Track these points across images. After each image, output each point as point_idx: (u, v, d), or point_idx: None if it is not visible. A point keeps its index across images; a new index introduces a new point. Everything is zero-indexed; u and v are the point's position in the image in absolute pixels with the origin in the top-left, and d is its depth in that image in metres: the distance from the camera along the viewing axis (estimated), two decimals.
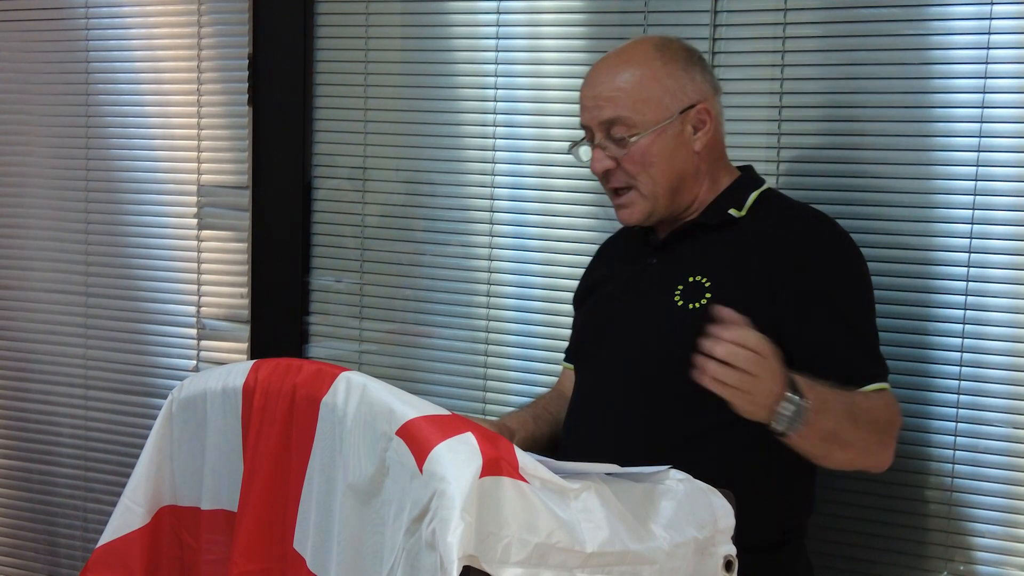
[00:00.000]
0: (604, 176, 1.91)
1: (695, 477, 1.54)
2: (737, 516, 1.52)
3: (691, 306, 1.84)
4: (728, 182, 1.95)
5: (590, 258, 2.18)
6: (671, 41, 1.93)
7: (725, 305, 1.79)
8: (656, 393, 1.85)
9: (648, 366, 1.86)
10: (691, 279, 1.86)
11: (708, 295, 1.83)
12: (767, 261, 1.83)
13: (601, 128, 1.88)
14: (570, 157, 2.41)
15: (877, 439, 1.77)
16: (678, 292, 1.86)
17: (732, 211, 1.90)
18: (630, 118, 1.85)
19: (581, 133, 2.42)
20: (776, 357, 1.58)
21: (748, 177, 1.98)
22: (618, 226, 2.09)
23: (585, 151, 1.95)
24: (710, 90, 1.91)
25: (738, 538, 1.51)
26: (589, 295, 2.07)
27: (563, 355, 2.18)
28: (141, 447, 1.76)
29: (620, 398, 1.88)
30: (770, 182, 2.20)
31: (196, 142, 2.83)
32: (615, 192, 1.92)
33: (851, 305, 1.83)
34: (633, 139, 1.85)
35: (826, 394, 1.66)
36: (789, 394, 1.59)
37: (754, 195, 1.92)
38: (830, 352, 1.79)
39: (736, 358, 1.54)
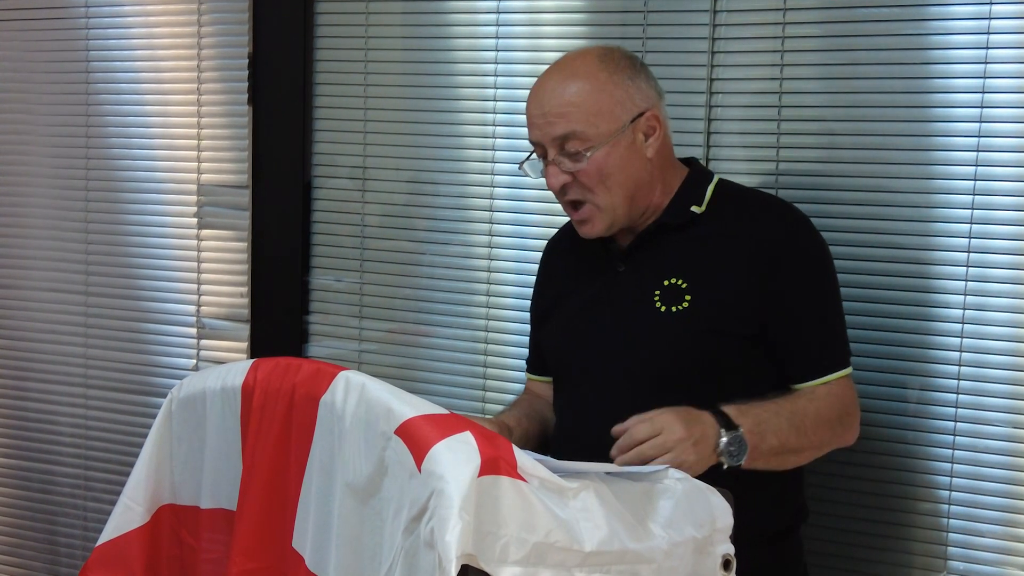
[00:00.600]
0: (560, 190, 1.91)
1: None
2: (760, 503, 1.52)
3: (673, 309, 1.85)
4: (679, 180, 1.95)
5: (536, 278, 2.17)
6: (613, 50, 1.93)
7: (705, 305, 1.84)
8: (653, 399, 1.83)
9: (642, 374, 1.86)
10: (666, 282, 1.87)
11: (688, 296, 1.85)
12: (739, 257, 1.85)
13: (554, 144, 1.87)
14: None
15: (831, 433, 1.86)
16: (657, 296, 1.87)
17: (694, 208, 1.91)
18: (584, 132, 1.84)
19: None
20: (679, 420, 1.66)
21: (697, 171, 1.98)
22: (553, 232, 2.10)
23: (534, 166, 1.94)
24: (656, 96, 1.91)
25: (763, 526, 1.51)
26: (552, 310, 2.05)
27: (526, 367, 2.17)
28: (141, 446, 1.76)
29: (620, 407, 1.86)
30: (769, 182, 2.21)
31: (196, 141, 2.84)
32: (572, 206, 1.92)
33: (820, 295, 1.88)
34: (588, 153, 1.85)
35: (761, 415, 1.75)
36: (722, 431, 1.69)
37: (710, 188, 1.94)
38: (804, 349, 1.86)
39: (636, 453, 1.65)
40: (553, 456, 1.97)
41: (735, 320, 1.83)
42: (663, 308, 1.86)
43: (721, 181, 1.97)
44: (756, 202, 1.95)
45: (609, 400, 1.89)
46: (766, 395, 1.82)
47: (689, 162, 2.01)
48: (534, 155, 1.93)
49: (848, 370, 1.88)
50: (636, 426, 1.67)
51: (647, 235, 1.92)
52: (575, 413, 1.96)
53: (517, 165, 2.01)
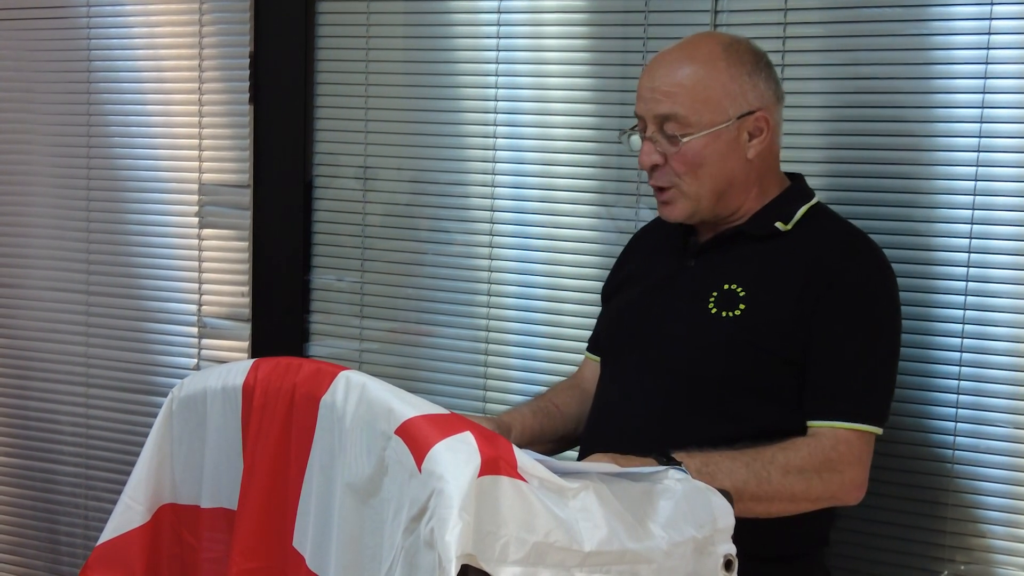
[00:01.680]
0: (650, 171, 1.88)
1: None
2: (756, 527, 1.51)
3: (724, 314, 1.82)
4: (777, 191, 1.92)
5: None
6: (740, 42, 1.89)
7: (756, 318, 1.79)
8: (683, 399, 1.83)
9: (678, 372, 1.84)
10: (726, 287, 1.84)
11: (742, 305, 1.81)
12: (803, 281, 1.80)
13: (655, 122, 1.84)
14: (571, 157, 2.43)
15: (805, 484, 1.72)
16: (712, 299, 1.84)
17: (779, 224, 1.87)
18: (686, 117, 1.81)
19: (583, 133, 2.43)
20: (608, 458, 1.59)
21: (798, 188, 1.94)
22: (650, 217, 2.07)
23: (635, 140, 1.91)
24: (773, 98, 1.88)
25: (757, 549, 1.50)
26: (619, 289, 2.05)
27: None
28: (142, 445, 1.77)
29: (648, 400, 1.86)
30: None
31: (197, 140, 2.84)
32: (659, 189, 1.89)
33: (855, 338, 1.79)
34: (685, 139, 1.82)
35: (713, 457, 1.65)
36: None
37: (803, 209, 1.89)
38: (816, 385, 1.78)
39: None
40: (573, 433, 1.99)
41: (780, 339, 1.78)
42: (715, 311, 1.83)
43: (819, 205, 1.93)
44: (837, 233, 1.89)
45: (640, 390, 1.88)
46: (784, 432, 1.76)
47: (793, 177, 1.97)
48: (636, 129, 1.90)
49: (863, 427, 1.76)
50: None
51: (725, 237, 1.90)
52: (607, 395, 1.95)
53: (618, 133, 1.97)
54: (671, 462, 1.61)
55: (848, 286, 1.80)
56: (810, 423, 1.78)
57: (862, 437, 1.77)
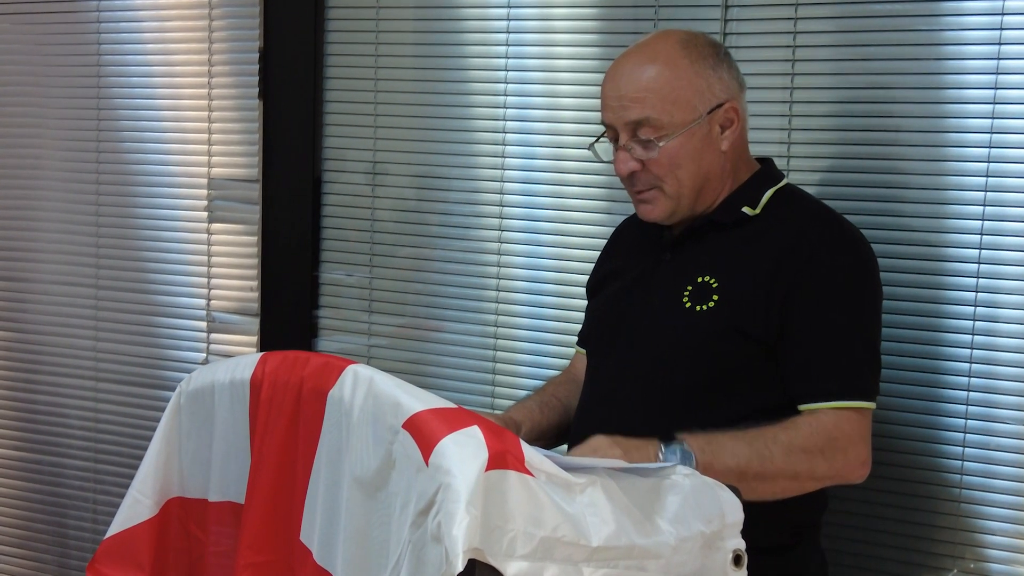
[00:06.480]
0: (628, 177, 1.87)
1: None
2: (748, 517, 1.51)
3: (698, 308, 1.82)
4: (746, 176, 1.91)
5: (599, 252, 2.17)
6: (697, 36, 1.87)
7: (729, 307, 1.79)
8: (663, 395, 1.83)
9: (656, 368, 1.84)
10: (699, 279, 1.83)
11: (715, 297, 1.81)
12: (773, 263, 1.79)
13: (627, 129, 1.83)
14: (581, 152, 2.42)
15: (809, 463, 1.72)
16: (687, 293, 1.84)
17: (746, 209, 1.86)
18: (658, 119, 1.80)
19: (593, 128, 2.42)
20: (612, 441, 1.61)
21: (766, 172, 1.93)
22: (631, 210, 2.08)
23: (605, 149, 1.90)
24: (737, 87, 1.87)
25: (750, 539, 1.50)
26: (602, 285, 2.05)
27: (576, 340, 2.16)
28: (150, 439, 1.77)
29: (628, 397, 1.87)
30: None
31: (207, 135, 2.84)
32: (637, 189, 1.88)
33: (837, 317, 1.78)
34: (661, 142, 1.80)
35: (715, 437, 1.66)
36: (662, 445, 1.62)
37: (770, 192, 1.88)
38: (806, 363, 1.77)
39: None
40: (567, 426, 2.00)
41: (752, 326, 1.77)
42: (689, 305, 1.82)
43: (788, 186, 1.92)
44: (809, 212, 1.87)
45: (619, 386, 1.88)
46: (768, 413, 1.76)
47: (763, 161, 1.96)
48: (604, 137, 1.90)
49: (855, 404, 1.75)
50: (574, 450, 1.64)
51: (696, 229, 1.89)
52: (590, 391, 1.96)
53: (587, 147, 1.97)
54: (674, 442, 1.62)
55: (822, 266, 1.78)
56: (804, 406, 1.76)
57: (860, 414, 1.76)
